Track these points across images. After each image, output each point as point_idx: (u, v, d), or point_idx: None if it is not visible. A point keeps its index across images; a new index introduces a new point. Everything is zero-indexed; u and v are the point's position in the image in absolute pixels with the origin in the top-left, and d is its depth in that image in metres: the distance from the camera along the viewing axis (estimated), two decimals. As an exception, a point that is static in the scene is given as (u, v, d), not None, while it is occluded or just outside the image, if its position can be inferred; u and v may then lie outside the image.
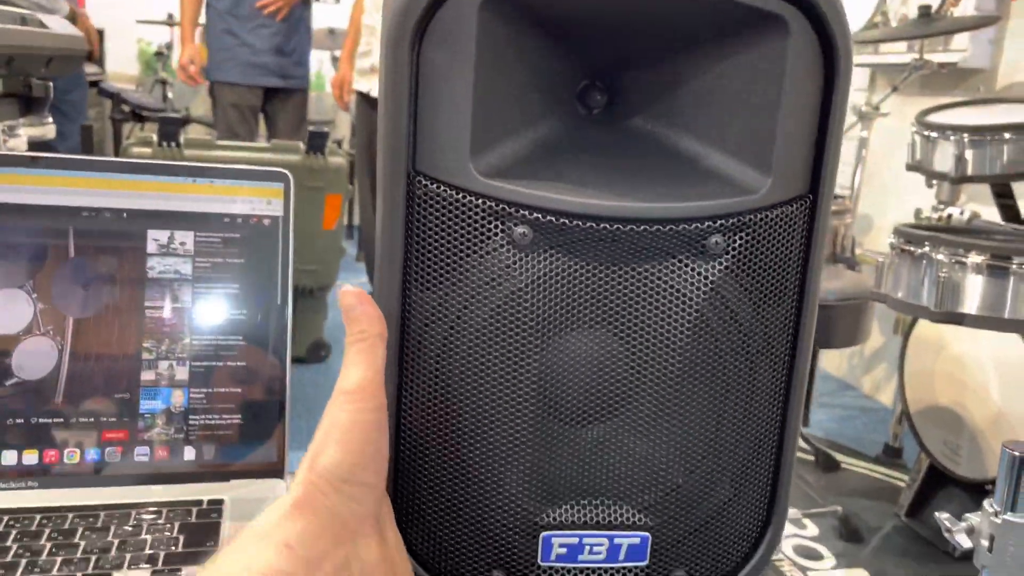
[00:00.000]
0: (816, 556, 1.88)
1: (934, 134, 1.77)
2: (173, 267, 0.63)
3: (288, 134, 3.05)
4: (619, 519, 0.47)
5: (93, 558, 0.52)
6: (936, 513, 0.91)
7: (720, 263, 0.45)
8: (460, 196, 0.43)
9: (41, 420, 0.60)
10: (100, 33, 3.95)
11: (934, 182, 1.91)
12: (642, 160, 0.47)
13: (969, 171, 1.71)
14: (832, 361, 3.14)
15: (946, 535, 0.87)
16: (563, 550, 0.46)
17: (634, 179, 0.46)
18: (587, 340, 0.45)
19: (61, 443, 0.60)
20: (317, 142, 2.42)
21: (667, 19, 0.45)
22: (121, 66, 4.89)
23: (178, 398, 0.63)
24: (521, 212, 0.43)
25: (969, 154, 1.70)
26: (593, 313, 0.45)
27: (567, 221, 0.43)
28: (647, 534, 0.47)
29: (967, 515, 0.87)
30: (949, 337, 1.75)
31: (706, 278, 0.45)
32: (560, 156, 0.47)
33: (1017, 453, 0.82)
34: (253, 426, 0.64)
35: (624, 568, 0.47)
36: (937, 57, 2.31)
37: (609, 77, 0.48)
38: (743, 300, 0.46)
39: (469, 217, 0.43)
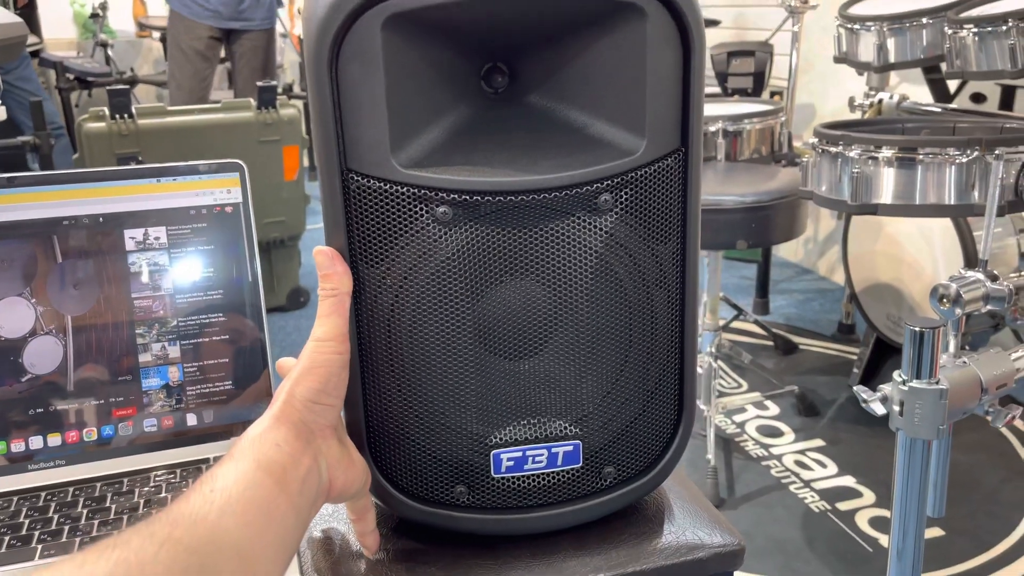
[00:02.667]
0: (777, 433, 2.04)
1: (856, 26, 1.84)
2: (152, 260, 0.71)
3: (249, 79, 3.03)
4: (555, 432, 0.57)
5: (125, 518, 0.62)
6: (853, 386, 1.03)
7: (611, 215, 0.54)
8: (387, 186, 0.51)
9: (59, 407, 0.69)
10: (31, 1, 3.85)
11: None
12: (539, 134, 0.55)
13: (891, 59, 1.79)
14: (789, 248, 3.27)
15: (863, 405, 0.99)
16: (511, 463, 0.57)
17: (533, 153, 0.54)
18: (513, 290, 0.54)
19: (79, 424, 0.69)
20: (267, 97, 2.45)
21: (548, 11, 0.52)
22: (58, 31, 4.77)
23: (174, 374, 0.72)
24: (440, 195, 0.52)
25: (890, 42, 1.78)
26: (514, 268, 0.54)
27: (479, 198, 0.52)
28: (579, 442, 0.58)
29: (880, 386, 0.99)
30: (884, 219, 1.87)
31: (602, 228, 0.54)
32: (471, 138, 0.55)
33: (917, 328, 0.94)
34: (243, 388, 0.73)
35: (563, 471, 0.58)
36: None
37: (508, 59, 0.56)
38: (636, 241, 0.55)
39: (397, 203, 0.52)
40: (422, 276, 0.53)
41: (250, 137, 2.47)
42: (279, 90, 2.53)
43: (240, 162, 0.74)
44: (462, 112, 0.55)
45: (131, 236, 0.71)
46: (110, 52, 4.51)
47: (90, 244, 0.70)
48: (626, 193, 0.54)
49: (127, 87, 2.32)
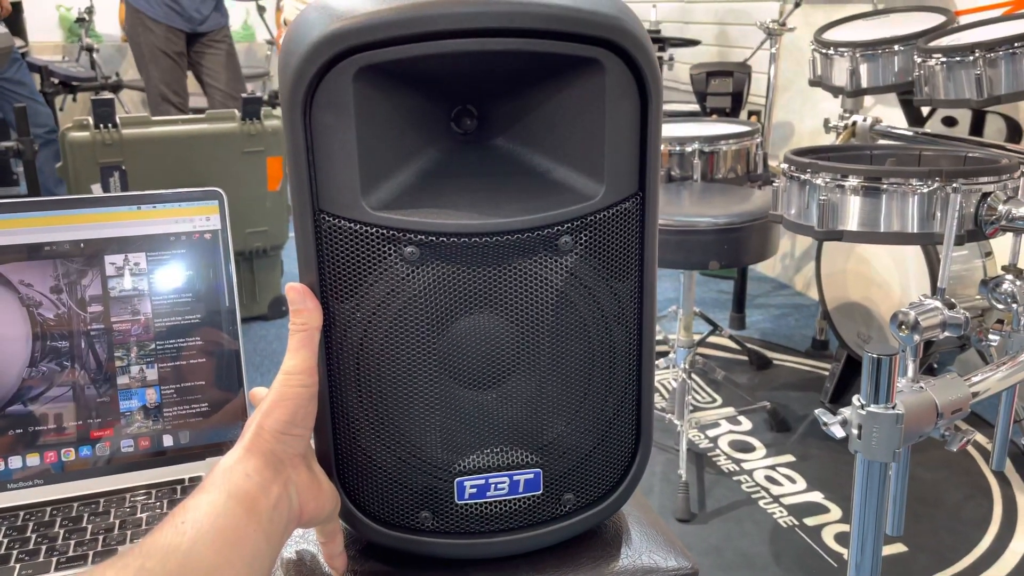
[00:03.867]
0: (749, 448, 2.07)
1: (830, 51, 1.89)
2: (132, 285, 0.73)
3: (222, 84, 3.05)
4: (516, 461, 0.60)
5: (100, 538, 0.64)
6: (816, 411, 1.06)
7: (572, 256, 0.57)
8: (357, 227, 0.54)
9: (37, 428, 0.71)
10: (17, 5, 3.85)
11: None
12: (504, 177, 0.58)
13: (864, 84, 1.84)
14: (767, 264, 3.31)
15: (823, 428, 1.03)
16: (474, 490, 0.60)
17: (498, 195, 0.57)
18: (477, 324, 0.57)
19: (57, 445, 0.71)
20: (252, 108, 2.47)
21: (513, 63, 0.55)
22: (43, 35, 4.76)
23: (151, 395, 0.74)
24: (407, 235, 0.54)
25: (863, 68, 1.82)
26: (478, 304, 0.56)
27: (445, 239, 0.54)
28: (539, 470, 0.60)
29: (840, 409, 1.03)
30: (855, 240, 1.91)
31: (563, 267, 0.57)
32: (439, 180, 0.58)
33: (875, 354, 0.97)
34: (218, 409, 0.76)
35: (524, 498, 0.61)
36: (837, -32, 2.40)
37: (477, 103, 0.59)
38: (596, 279, 0.58)
39: (366, 243, 0.54)
40: (390, 312, 0.55)
41: (234, 147, 2.48)
42: (264, 98, 2.55)
43: (219, 190, 0.77)
44: (431, 155, 0.58)
45: (111, 262, 0.73)
46: (96, 56, 4.51)
47: (71, 269, 0.72)
48: (586, 235, 0.57)
49: (111, 97, 2.33)
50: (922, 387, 1.03)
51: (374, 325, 0.56)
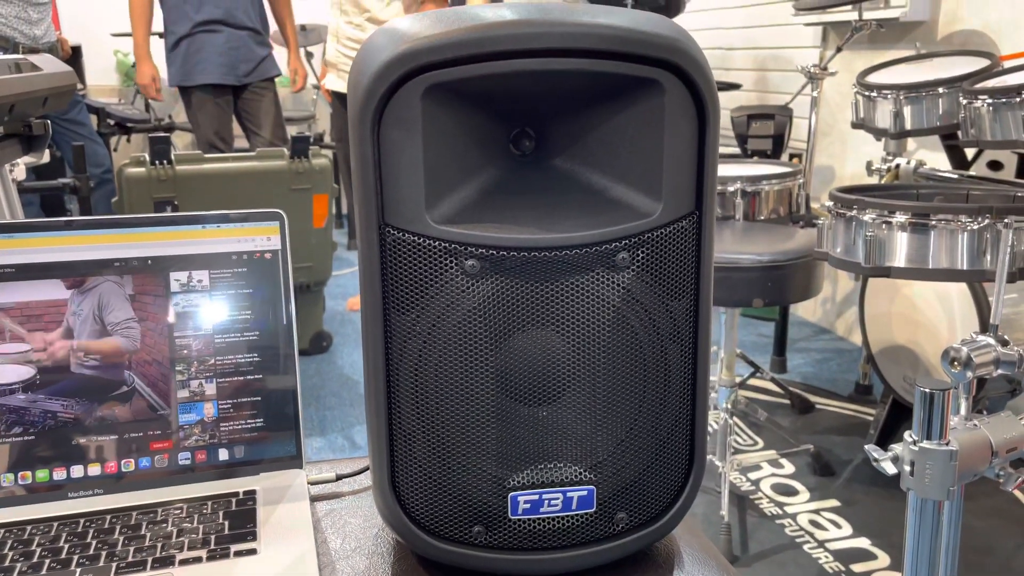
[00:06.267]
0: (792, 492, 2.03)
1: (873, 93, 1.89)
2: (194, 302, 0.76)
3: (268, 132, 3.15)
4: (570, 478, 0.60)
5: (159, 545, 0.65)
6: (865, 446, 1.05)
7: (628, 272, 0.58)
8: (420, 240, 0.56)
9: (99, 438, 0.73)
10: (77, 49, 4.02)
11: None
12: (562, 195, 0.60)
13: (907, 126, 1.84)
14: (808, 308, 3.28)
15: (874, 464, 1.01)
16: (527, 505, 0.60)
17: (556, 212, 0.58)
18: (533, 339, 0.58)
19: (118, 455, 0.73)
20: (300, 147, 2.53)
21: (574, 84, 0.57)
22: (101, 79, 4.95)
23: (209, 410, 0.75)
24: (469, 249, 0.56)
25: (907, 110, 1.82)
26: (535, 319, 0.57)
27: (505, 253, 0.56)
28: (593, 487, 0.60)
29: (891, 445, 1.01)
30: (900, 281, 1.89)
31: (619, 284, 0.58)
32: (499, 197, 0.59)
33: (927, 389, 0.96)
34: (273, 426, 0.77)
35: (577, 515, 0.61)
36: (879, 14, 2.42)
37: (535, 125, 0.61)
38: (652, 297, 0.59)
39: (428, 256, 0.56)
40: (449, 324, 0.57)
41: (282, 185, 2.54)
42: (311, 140, 2.62)
43: (280, 212, 0.79)
44: (492, 173, 0.60)
45: (176, 278, 0.75)
46: (150, 101, 4.68)
47: (138, 285, 0.74)
48: (642, 252, 0.57)
49: (167, 135, 2.41)
50: (976, 425, 1.01)
51: (433, 337, 0.57)
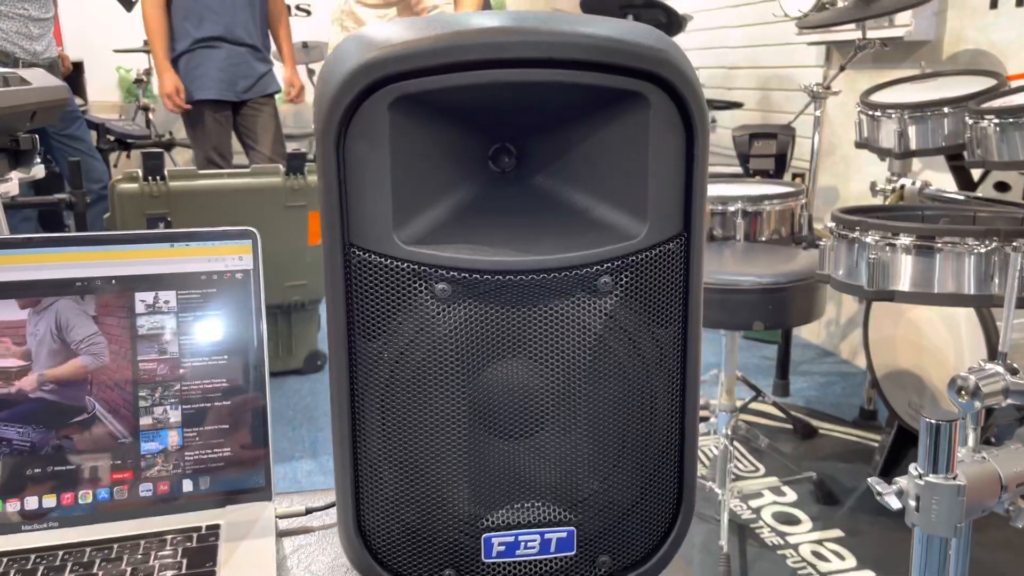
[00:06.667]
0: (794, 521, 1.98)
1: (877, 113, 1.86)
2: (160, 323, 0.72)
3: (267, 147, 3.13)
4: (548, 518, 0.56)
5: (111, 585, 0.61)
6: (869, 479, 1.00)
7: (612, 298, 0.54)
8: (387, 262, 0.52)
9: (56, 468, 0.69)
10: (79, 65, 4.02)
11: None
12: (542, 214, 0.56)
13: (912, 146, 1.80)
14: (811, 329, 3.23)
15: (877, 498, 0.96)
16: (502, 547, 0.56)
17: (535, 233, 0.54)
18: (510, 368, 0.54)
19: (75, 486, 0.69)
20: (296, 164, 2.51)
21: (556, 96, 0.53)
22: (103, 95, 4.96)
23: (173, 438, 0.71)
24: (439, 272, 0.52)
25: (911, 130, 1.79)
26: (512, 346, 0.53)
27: (479, 276, 0.52)
28: (572, 528, 0.56)
29: (896, 479, 0.96)
30: (905, 305, 1.85)
31: (602, 310, 0.54)
32: (474, 216, 0.55)
33: (933, 420, 0.91)
34: (241, 456, 0.73)
35: (556, 559, 0.57)
36: (883, 33, 2.39)
37: (515, 140, 0.57)
38: (636, 324, 0.55)
39: (396, 278, 0.52)
40: (418, 352, 0.53)
41: (277, 202, 2.51)
42: (310, 155, 2.60)
43: (253, 230, 0.75)
44: (467, 190, 0.56)
45: (141, 299, 0.72)
46: (151, 116, 4.67)
47: (100, 306, 0.71)
48: (626, 276, 0.54)
49: (161, 151, 2.39)
50: (984, 457, 0.97)
51: (401, 366, 0.53)
